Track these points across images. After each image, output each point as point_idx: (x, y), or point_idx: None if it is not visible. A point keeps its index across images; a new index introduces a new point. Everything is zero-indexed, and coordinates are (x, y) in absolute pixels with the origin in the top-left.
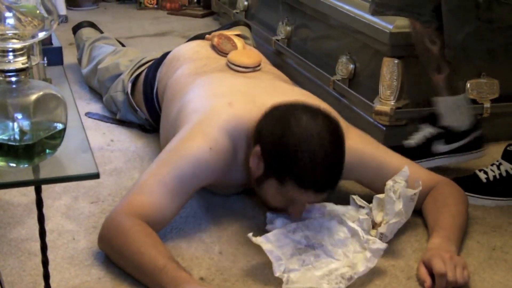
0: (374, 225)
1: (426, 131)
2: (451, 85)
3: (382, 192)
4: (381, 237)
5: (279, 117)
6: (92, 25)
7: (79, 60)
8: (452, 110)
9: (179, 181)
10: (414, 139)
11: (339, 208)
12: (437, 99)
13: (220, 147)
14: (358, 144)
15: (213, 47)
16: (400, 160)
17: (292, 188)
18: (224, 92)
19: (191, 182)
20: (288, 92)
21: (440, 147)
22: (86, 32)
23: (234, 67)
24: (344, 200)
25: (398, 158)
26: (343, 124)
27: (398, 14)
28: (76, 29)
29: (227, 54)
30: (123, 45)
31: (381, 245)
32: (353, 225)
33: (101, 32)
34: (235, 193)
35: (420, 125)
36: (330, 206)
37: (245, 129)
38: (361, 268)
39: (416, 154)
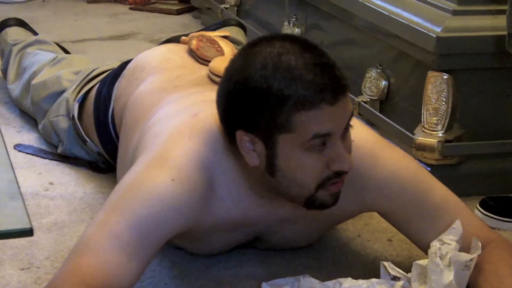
0: None
1: None
2: None
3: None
4: None
5: (231, 81)
6: (21, 23)
7: (4, 71)
8: None
9: (136, 231)
10: None
11: (361, 284)
12: None
13: (185, 175)
14: (396, 164)
15: (191, 52)
16: (445, 193)
17: (303, 121)
18: (192, 104)
19: (153, 231)
20: None
21: None
22: (13, 33)
23: (218, 79)
24: (371, 268)
25: (442, 189)
26: (379, 139)
27: None
28: None
29: (209, 61)
30: (66, 52)
31: None
32: None
33: (35, 33)
34: (223, 252)
35: None
36: (347, 283)
37: (218, 140)
38: None
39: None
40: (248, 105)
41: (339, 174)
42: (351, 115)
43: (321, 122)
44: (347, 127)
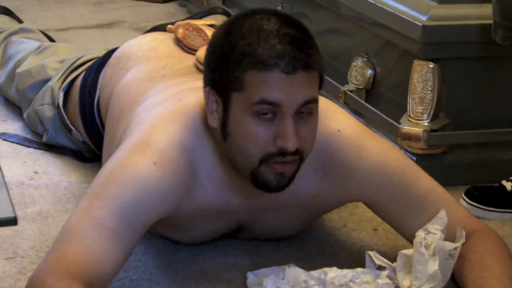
0: None
1: None
2: None
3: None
4: None
5: (212, 36)
6: (6, 11)
7: None
8: None
9: (119, 216)
10: None
11: (346, 274)
12: None
13: (168, 159)
14: (381, 155)
15: (178, 41)
16: (430, 184)
17: (253, 81)
18: (178, 92)
19: (137, 215)
20: None
21: None
22: None
23: None
24: (357, 257)
25: (428, 180)
26: (365, 130)
27: None
28: None
29: (196, 50)
30: (51, 40)
31: None
32: None
33: (20, 21)
34: (207, 241)
35: None
36: (333, 272)
37: (200, 124)
38: None
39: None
40: (217, 59)
41: (283, 154)
42: (312, 100)
43: (270, 88)
44: (305, 110)
